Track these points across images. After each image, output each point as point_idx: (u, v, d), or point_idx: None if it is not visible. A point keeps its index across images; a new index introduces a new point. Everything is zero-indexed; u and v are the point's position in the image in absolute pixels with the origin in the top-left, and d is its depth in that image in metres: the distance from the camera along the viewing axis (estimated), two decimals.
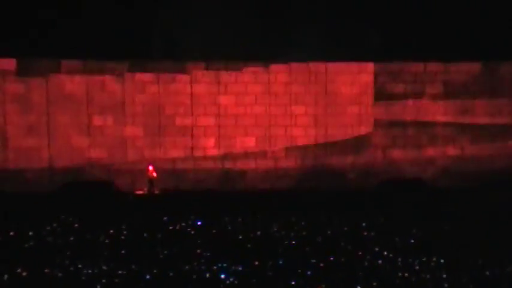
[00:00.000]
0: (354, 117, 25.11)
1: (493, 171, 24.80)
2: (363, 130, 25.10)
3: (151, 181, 23.81)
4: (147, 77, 24.57)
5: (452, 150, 25.33)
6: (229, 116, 24.93)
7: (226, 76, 24.98)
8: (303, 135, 25.16)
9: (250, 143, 25.08)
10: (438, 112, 25.38)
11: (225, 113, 24.94)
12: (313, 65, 25.15)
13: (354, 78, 25.19)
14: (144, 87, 24.59)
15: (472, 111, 25.43)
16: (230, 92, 25.02)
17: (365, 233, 17.01)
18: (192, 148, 24.91)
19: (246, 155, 25.08)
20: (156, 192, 23.67)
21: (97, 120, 24.41)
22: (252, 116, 25.01)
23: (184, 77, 24.91)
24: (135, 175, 24.06)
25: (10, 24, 24.19)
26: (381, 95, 25.22)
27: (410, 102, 25.25)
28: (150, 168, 24.03)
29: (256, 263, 13.87)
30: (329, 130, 25.11)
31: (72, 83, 24.32)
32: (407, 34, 25.23)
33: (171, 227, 17.69)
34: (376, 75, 25.28)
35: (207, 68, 25.00)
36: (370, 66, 25.16)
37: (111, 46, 24.58)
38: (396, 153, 25.26)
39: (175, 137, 24.73)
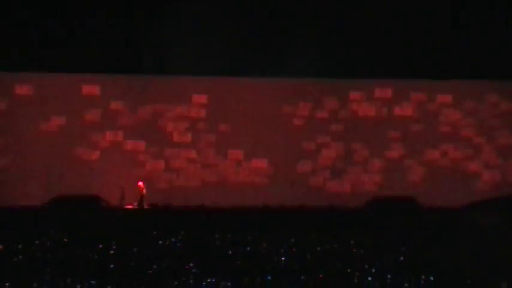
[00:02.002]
0: None
1: None
2: None
3: (141, 197, 23.75)
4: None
5: None
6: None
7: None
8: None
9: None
10: None
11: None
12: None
13: None
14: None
15: None
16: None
17: (354, 251, 16.99)
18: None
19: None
20: (146, 207, 23.61)
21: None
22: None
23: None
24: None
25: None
26: None
27: None
28: (140, 184, 23.99)
29: (245, 279, 13.82)
30: None
31: None
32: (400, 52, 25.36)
33: (160, 242, 17.63)
34: None
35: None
36: None
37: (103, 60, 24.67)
38: None
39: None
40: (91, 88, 24.94)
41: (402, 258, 16.13)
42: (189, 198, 24.44)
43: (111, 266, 14.94)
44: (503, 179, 25.52)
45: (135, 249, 16.67)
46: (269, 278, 13.95)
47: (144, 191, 23.73)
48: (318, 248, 17.14)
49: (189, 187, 25.10)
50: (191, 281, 13.62)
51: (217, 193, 24.96)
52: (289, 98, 25.47)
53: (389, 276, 14.27)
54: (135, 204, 23.57)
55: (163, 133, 25.17)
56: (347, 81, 25.45)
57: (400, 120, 25.56)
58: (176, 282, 13.54)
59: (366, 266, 15.15)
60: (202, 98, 25.23)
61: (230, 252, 16.48)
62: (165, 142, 25.16)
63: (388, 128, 25.47)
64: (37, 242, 17.29)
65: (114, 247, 16.89)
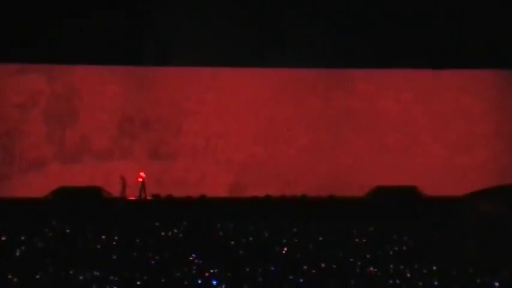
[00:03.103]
0: None
1: None
2: None
3: (143, 187, 23.76)
4: None
5: None
6: None
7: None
8: None
9: None
10: None
11: None
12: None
13: None
14: None
15: None
16: None
17: (356, 240, 16.99)
18: None
19: None
20: (148, 198, 23.59)
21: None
22: None
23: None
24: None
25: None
26: None
27: None
28: (142, 174, 24.00)
29: (248, 269, 13.83)
30: None
31: None
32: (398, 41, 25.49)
33: (162, 233, 17.62)
34: None
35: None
36: None
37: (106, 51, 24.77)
38: None
39: None
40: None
41: (404, 247, 16.13)
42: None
43: (114, 257, 14.96)
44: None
45: (137, 240, 16.67)
46: (271, 268, 13.96)
47: (143, 179, 23.75)
48: (320, 238, 17.13)
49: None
50: (193, 272, 13.63)
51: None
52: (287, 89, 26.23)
53: (391, 266, 14.28)
54: (139, 195, 23.59)
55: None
56: (329, 71, 26.25)
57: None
58: (179, 273, 13.55)
59: (368, 256, 15.16)
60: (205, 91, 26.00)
61: (232, 243, 16.47)
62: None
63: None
64: (40, 233, 17.29)
65: (116, 238, 16.90)
